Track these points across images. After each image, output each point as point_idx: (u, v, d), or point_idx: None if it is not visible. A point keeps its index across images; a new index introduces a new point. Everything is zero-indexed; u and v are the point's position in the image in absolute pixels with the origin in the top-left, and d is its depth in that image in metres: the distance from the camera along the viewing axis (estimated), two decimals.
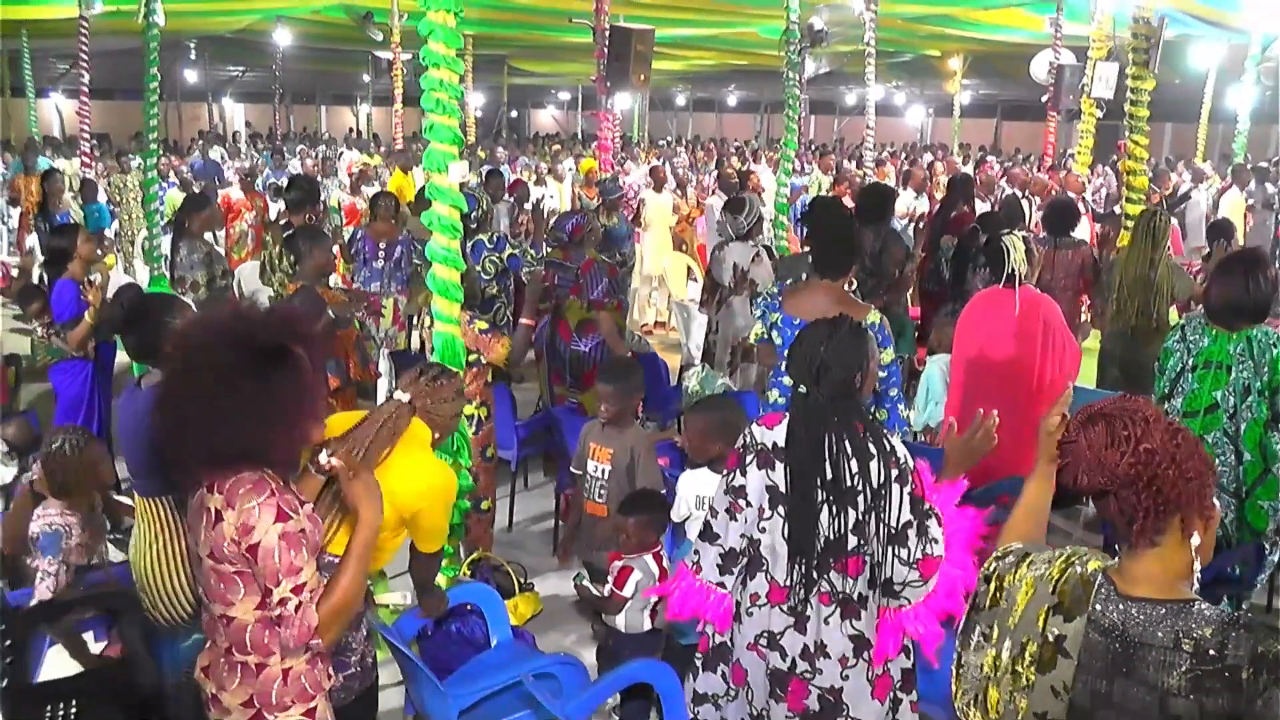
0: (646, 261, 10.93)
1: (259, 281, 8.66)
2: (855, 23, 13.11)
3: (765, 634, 2.85)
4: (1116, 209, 10.71)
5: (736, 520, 2.85)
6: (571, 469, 4.49)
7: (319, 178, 13.21)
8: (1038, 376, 5.12)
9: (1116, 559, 1.97)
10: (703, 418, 3.81)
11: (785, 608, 2.81)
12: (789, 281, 4.96)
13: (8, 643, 3.57)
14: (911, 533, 2.66)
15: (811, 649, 2.79)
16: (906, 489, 2.67)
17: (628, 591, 3.66)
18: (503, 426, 5.53)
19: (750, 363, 6.60)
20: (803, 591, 2.76)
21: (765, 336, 4.53)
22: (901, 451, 2.71)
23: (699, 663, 3.03)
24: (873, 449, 2.68)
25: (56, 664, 3.94)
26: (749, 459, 2.82)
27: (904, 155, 22.56)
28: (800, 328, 4.39)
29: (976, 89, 27.10)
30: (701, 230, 12.14)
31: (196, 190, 12.12)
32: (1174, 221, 9.94)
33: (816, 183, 12.75)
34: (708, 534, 2.89)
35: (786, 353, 2.89)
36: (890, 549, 2.66)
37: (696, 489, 3.77)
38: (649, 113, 30.51)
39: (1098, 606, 1.90)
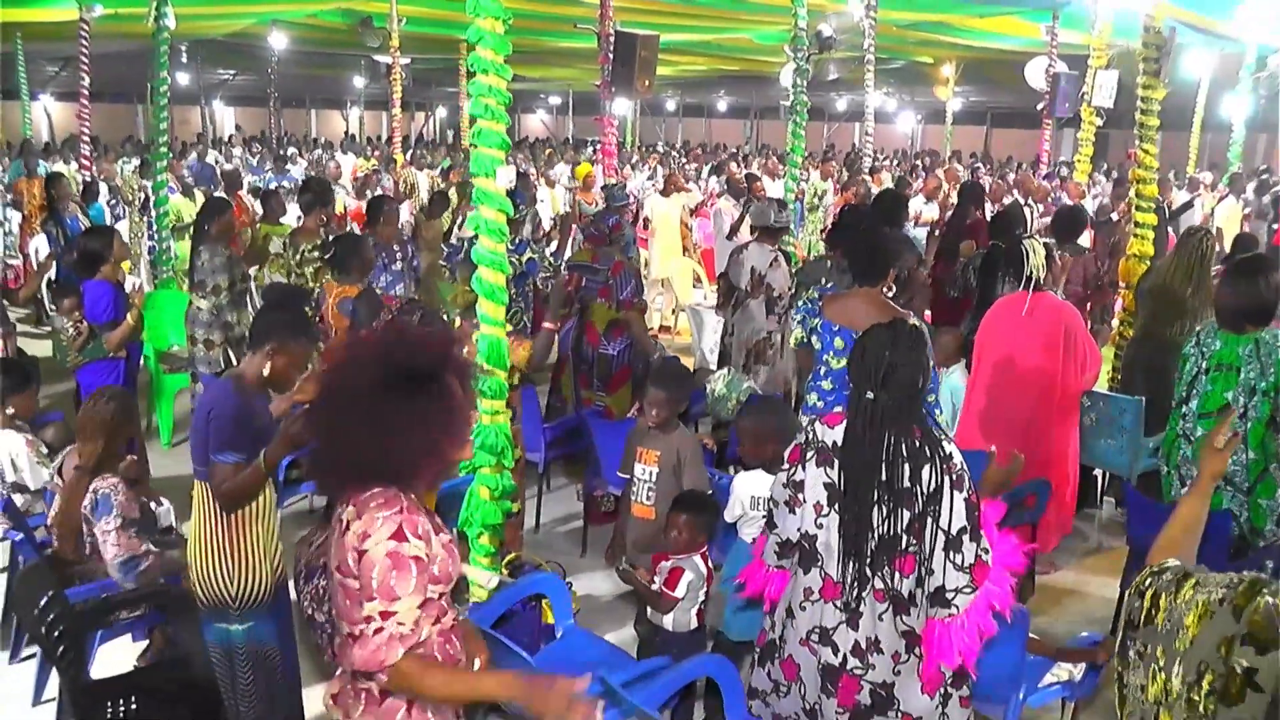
0: (653, 266, 11.01)
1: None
2: (855, 29, 13.22)
3: (817, 630, 2.92)
4: (1114, 216, 10.86)
5: (794, 514, 2.93)
6: (619, 473, 4.54)
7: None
8: (1060, 383, 5.21)
9: None
10: (757, 420, 3.88)
11: (838, 604, 2.87)
12: (830, 286, 5.04)
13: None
14: (966, 538, 2.71)
15: (863, 645, 2.85)
16: (962, 495, 2.71)
17: (679, 592, 3.72)
18: (530, 429, 5.59)
19: (763, 364, 6.69)
20: (856, 589, 2.83)
21: (805, 341, 4.64)
22: (958, 458, 2.76)
23: (756, 657, 3.11)
24: (928, 453, 2.73)
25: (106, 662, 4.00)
26: (809, 455, 2.90)
27: (895, 162, 22.76)
28: (839, 334, 4.55)
29: (967, 96, 27.28)
30: (707, 234, 12.22)
31: (198, 194, 12.16)
32: (1169, 230, 10.15)
33: (814, 189, 12.82)
34: (770, 522, 3.01)
35: (849, 357, 2.94)
36: (946, 554, 2.71)
37: (751, 490, 3.83)
38: (639, 118, 30.59)
39: None
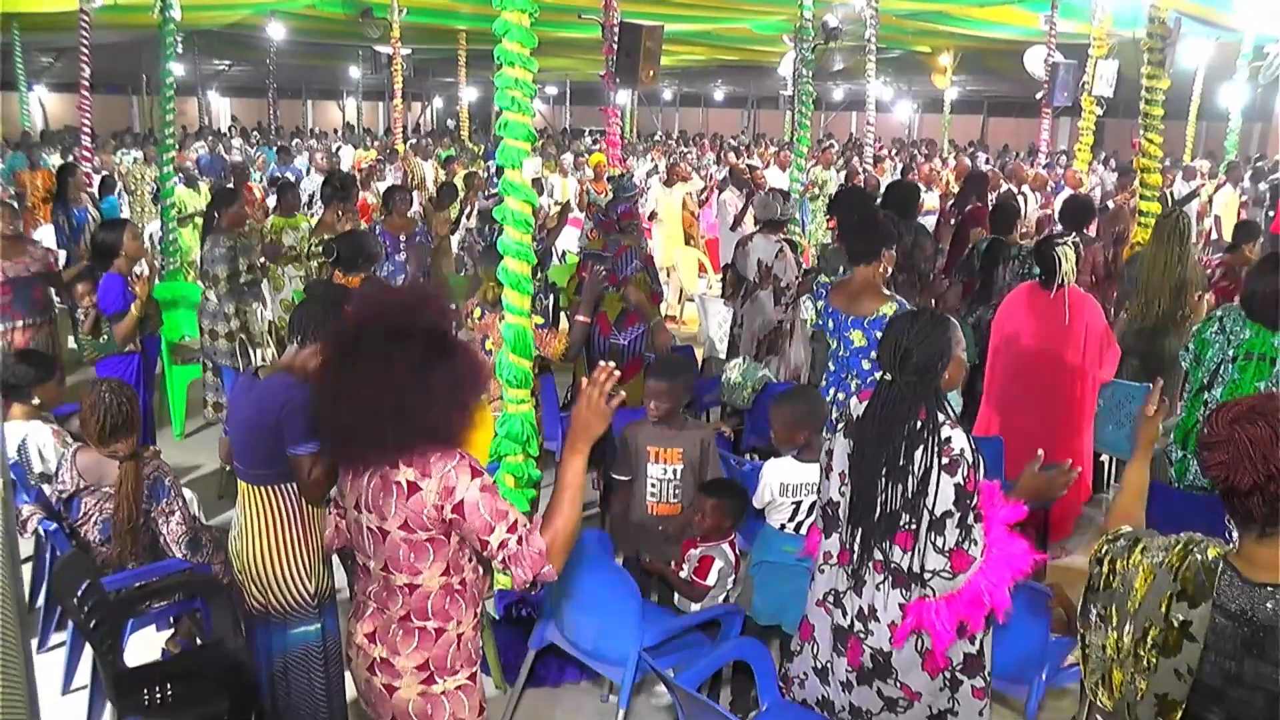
0: (657, 255, 11.03)
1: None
2: (856, 19, 13.26)
3: (832, 592, 3.03)
4: (1109, 204, 10.93)
5: (828, 480, 3.05)
6: (613, 474, 4.42)
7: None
8: (1079, 373, 5.28)
9: (1234, 546, 2.07)
10: (789, 408, 3.93)
11: (848, 569, 2.97)
12: (843, 271, 5.15)
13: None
14: (950, 523, 2.77)
15: (865, 611, 2.94)
16: (955, 480, 2.76)
17: (711, 580, 3.78)
18: (548, 418, 5.63)
19: (775, 354, 6.74)
20: (859, 559, 2.92)
21: (819, 323, 4.80)
22: (959, 444, 2.79)
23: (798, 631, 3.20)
24: (925, 435, 2.80)
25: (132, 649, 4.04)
26: (840, 426, 3.02)
27: (894, 151, 22.77)
28: (832, 316, 4.73)
29: (963, 85, 27.29)
30: (710, 224, 12.26)
31: (202, 185, 12.17)
32: None
33: (817, 179, 12.87)
34: (820, 487, 3.13)
35: (878, 343, 3.04)
36: (928, 534, 2.78)
37: (781, 476, 3.88)
38: (636, 107, 30.58)
39: (1223, 592, 2.00)
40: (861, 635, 2.96)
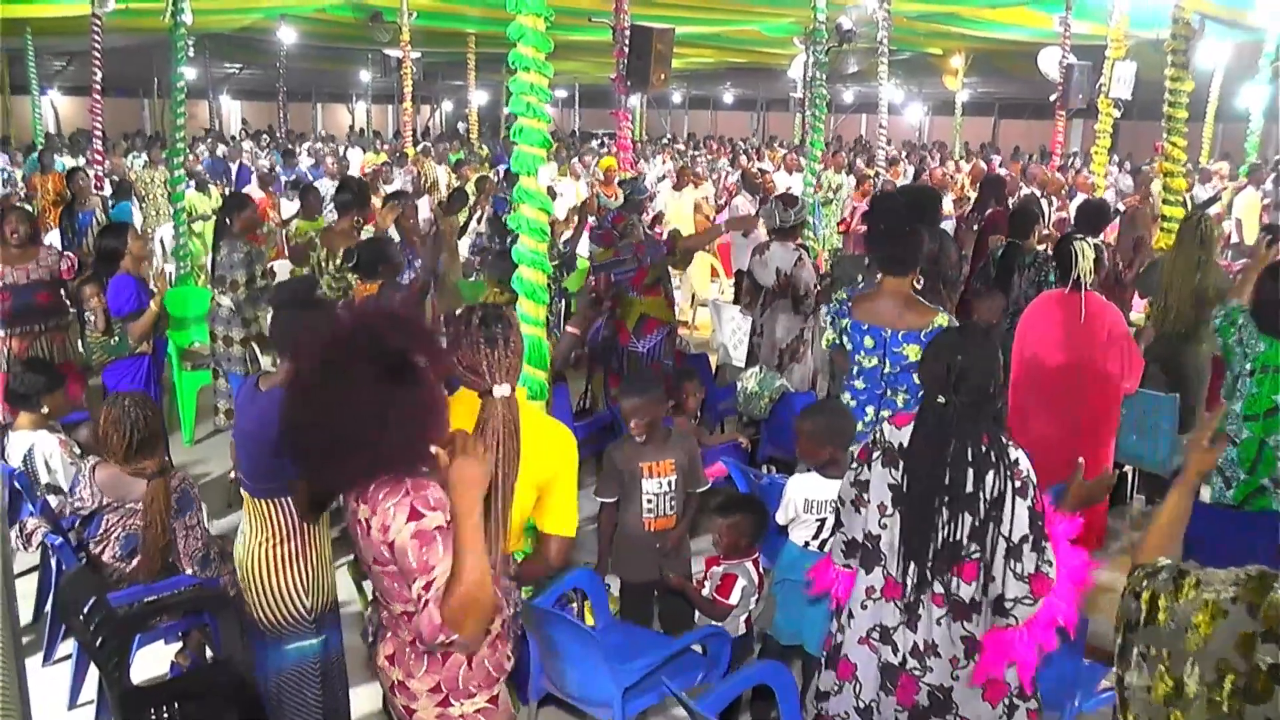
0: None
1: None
2: (869, 21, 13.16)
3: (878, 628, 2.90)
4: (1120, 207, 10.80)
5: (859, 514, 2.91)
6: (602, 498, 4.24)
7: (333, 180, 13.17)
8: (1102, 384, 5.17)
9: None
10: (814, 422, 3.82)
11: (899, 604, 2.85)
12: (860, 286, 4.97)
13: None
14: (1027, 547, 2.67)
15: (922, 647, 2.83)
16: (1026, 503, 2.68)
17: (734, 599, 3.69)
18: (562, 421, 5.55)
19: (795, 362, 6.64)
20: (915, 592, 2.80)
21: (836, 342, 4.59)
22: (1025, 465, 2.72)
23: (822, 661, 3.09)
24: (993, 459, 2.70)
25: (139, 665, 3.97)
26: (875, 455, 2.88)
27: (905, 153, 22.65)
28: (868, 333, 4.50)
29: (974, 87, 27.16)
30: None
31: (213, 189, 12.13)
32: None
33: (828, 182, 12.78)
34: (837, 522, 3.00)
35: (920, 362, 2.92)
36: (1007, 562, 2.68)
37: (805, 492, 3.78)
38: (645, 110, 30.53)
39: None
40: (917, 672, 2.84)
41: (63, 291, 6.53)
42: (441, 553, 2.25)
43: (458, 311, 2.98)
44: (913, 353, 4.34)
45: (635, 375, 4.66)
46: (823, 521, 3.74)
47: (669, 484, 4.14)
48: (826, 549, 3.11)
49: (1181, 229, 6.14)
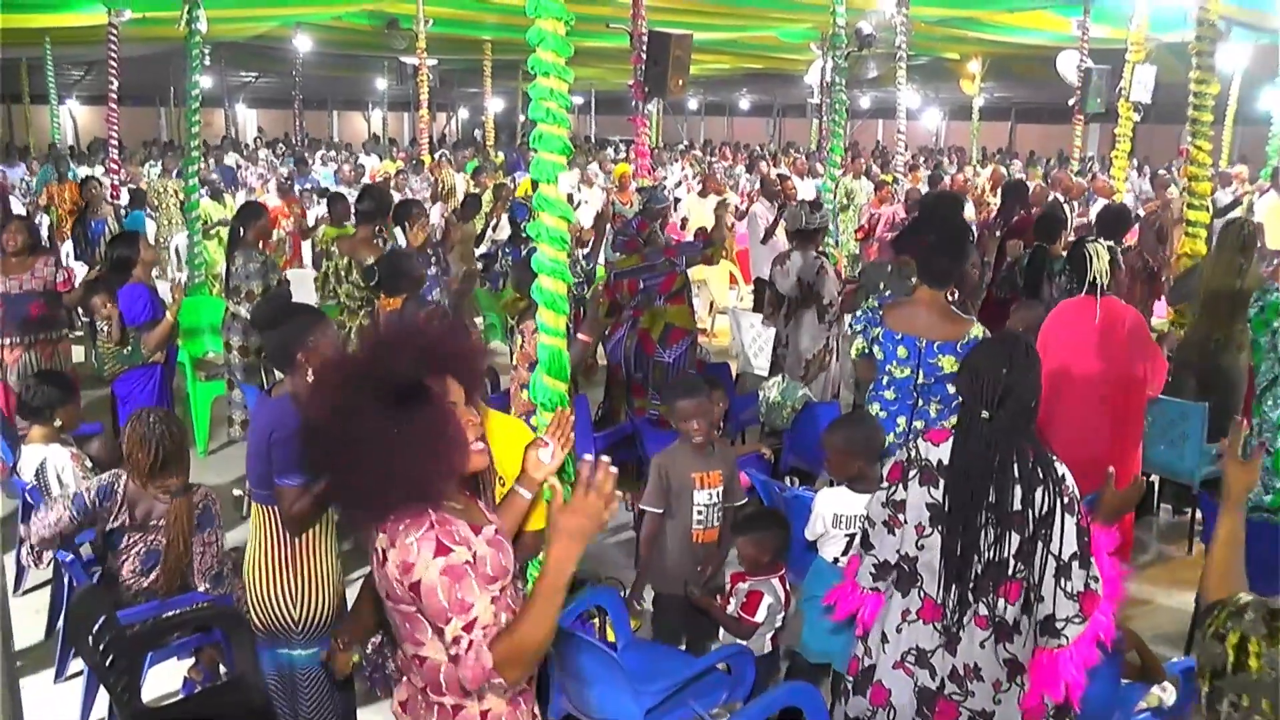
0: (691, 269, 10.86)
1: (303, 292, 8.62)
2: (888, 26, 13.08)
3: (914, 651, 2.81)
4: (1140, 212, 10.66)
5: (894, 535, 2.82)
6: (649, 508, 4.12)
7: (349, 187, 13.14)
8: (1125, 391, 5.06)
9: None
10: (843, 435, 3.73)
11: (938, 626, 2.76)
12: (888, 295, 4.88)
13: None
14: (1077, 565, 2.59)
15: (962, 671, 2.73)
16: (1074, 519, 2.59)
17: (760, 617, 3.60)
18: (580, 437, 5.46)
19: (823, 372, 6.54)
20: (957, 614, 2.71)
21: (866, 351, 4.49)
22: (1071, 480, 2.63)
23: (849, 686, 2.98)
24: (1040, 474, 2.61)
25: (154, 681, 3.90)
26: (912, 474, 2.78)
27: (922, 159, 22.51)
28: (902, 342, 4.41)
29: (991, 92, 27.00)
30: (740, 235, 12.08)
31: (227, 197, 12.11)
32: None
33: (844, 188, 12.68)
34: (865, 543, 2.89)
35: (959, 375, 2.82)
36: (1057, 580, 2.59)
37: (835, 507, 3.69)
38: (661, 117, 30.46)
39: None
40: (958, 697, 2.74)
41: (58, 304, 6.52)
42: (477, 590, 2.11)
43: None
44: (948, 364, 4.26)
45: (680, 379, 4.58)
46: (852, 536, 3.64)
47: (718, 495, 4.07)
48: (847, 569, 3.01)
49: (1222, 233, 6.02)
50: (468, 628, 2.08)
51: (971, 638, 2.71)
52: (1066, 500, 2.60)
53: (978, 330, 4.27)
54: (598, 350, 5.76)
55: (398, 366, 2.18)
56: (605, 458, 2.13)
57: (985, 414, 2.66)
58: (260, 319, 3.30)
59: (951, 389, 4.29)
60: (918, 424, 4.37)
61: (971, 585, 2.67)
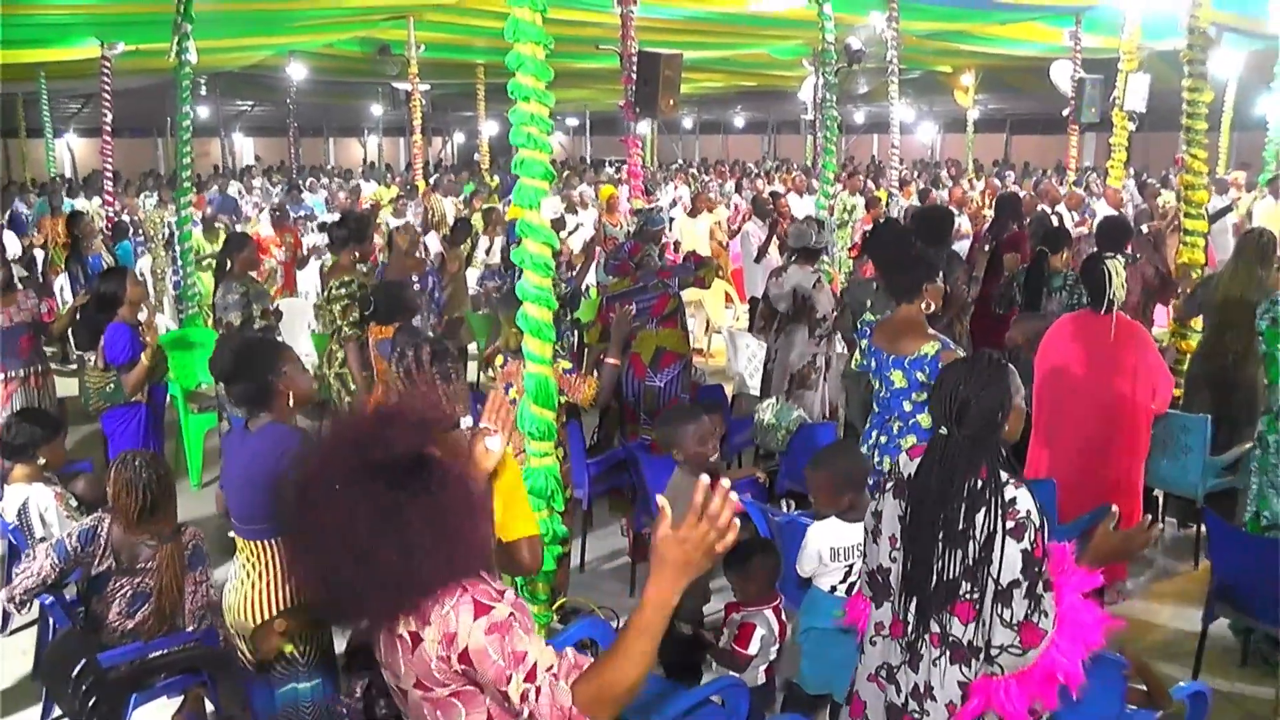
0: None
1: (297, 320, 8.59)
2: (878, 41, 13.05)
3: (885, 666, 2.78)
4: (1144, 229, 10.58)
5: (875, 545, 2.81)
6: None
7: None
8: (1130, 406, 4.98)
9: None
10: (828, 473, 3.65)
11: (901, 642, 2.72)
12: (869, 306, 4.92)
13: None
14: (1018, 594, 2.51)
15: (921, 689, 2.68)
16: (1021, 545, 2.51)
17: (753, 649, 3.52)
18: (575, 466, 5.40)
19: (807, 389, 6.47)
20: (915, 630, 2.67)
21: (864, 364, 4.56)
22: (1025, 505, 2.54)
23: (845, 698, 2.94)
24: (986, 496, 2.55)
25: None
26: (889, 486, 2.78)
27: (916, 172, 22.49)
28: (873, 355, 4.49)
29: (985, 104, 27.02)
30: (734, 254, 12.04)
31: (219, 226, 12.07)
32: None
33: (842, 204, 12.64)
34: (865, 554, 2.90)
35: (929, 392, 2.79)
36: (994, 606, 2.52)
37: (829, 541, 3.61)
38: (656, 136, 30.49)
39: None
40: (916, 715, 2.69)
41: (45, 335, 6.52)
42: (527, 638, 1.95)
43: (402, 352, 2.92)
44: (897, 378, 4.44)
45: (675, 409, 4.56)
46: (851, 566, 3.57)
47: None
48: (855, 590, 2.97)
49: (1241, 242, 5.97)
50: (530, 676, 1.91)
51: (928, 655, 2.66)
52: (1012, 525, 2.52)
53: (930, 347, 4.37)
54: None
55: (389, 442, 1.99)
56: (725, 481, 1.90)
57: (944, 430, 2.63)
58: (219, 372, 3.23)
59: (908, 406, 4.39)
60: (882, 438, 4.52)
61: (927, 602, 2.62)
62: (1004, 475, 2.58)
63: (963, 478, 2.58)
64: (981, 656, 2.58)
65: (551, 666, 1.93)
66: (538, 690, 1.90)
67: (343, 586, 1.95)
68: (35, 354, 6.43)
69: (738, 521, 1.89)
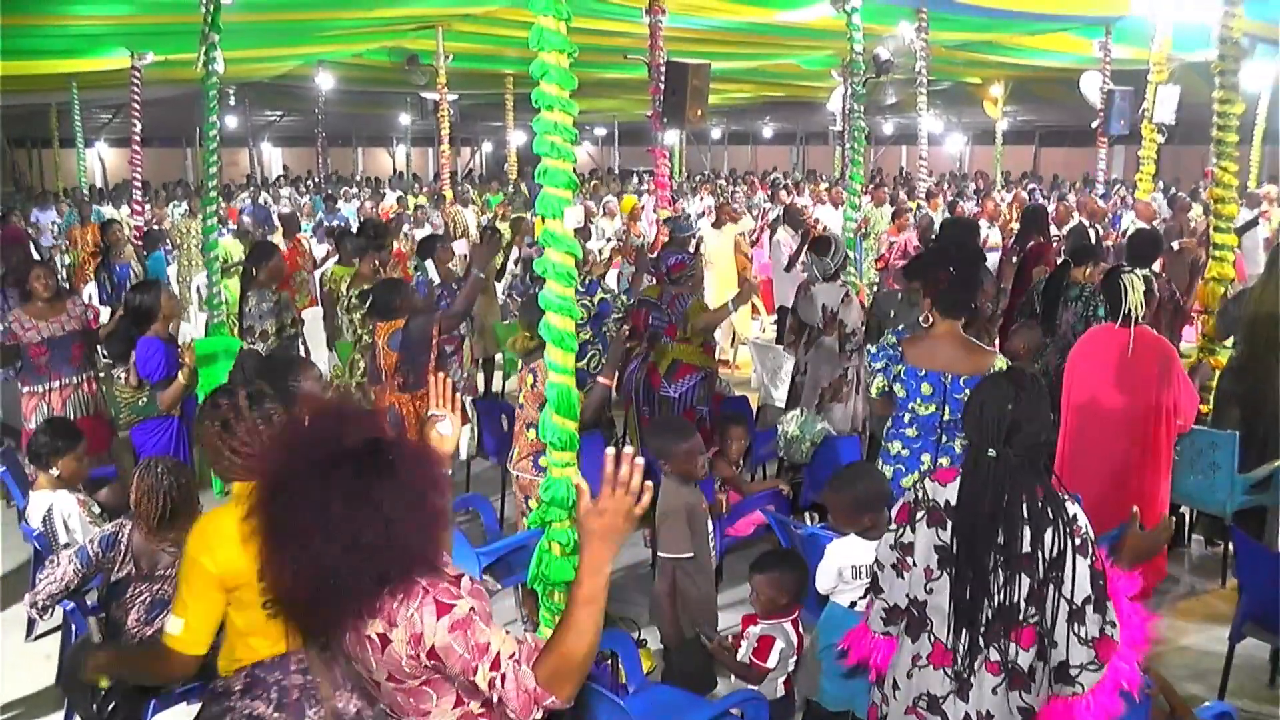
0: (709, 298, 10.79)
1: (322, 329, 8.63)
2: (907, 52, 13.02)
3: (925, 696, 2.69)
4: (1175, 245, 10.46)
5: (902, 578, 2.72)
6: (679, 554, 4.00)
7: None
8: (1155, 422, 4.92)
9: None
10: (849, 494, 3.60)
11: (949, 671, 2.64)
12: (901, 330, 4.77)
13: None
14: (1091, 609, 2.48)
15: (974, 718, 2.62)
16: (1087, 561, 2.48)
17: (771, 662, 3.49)
18: (593, 474, 5.37)
19: (838, 402, 6.42)
20: (967, 659, 2.60)
21: (886, 390, 4.41)
22: (1084, 521, 2.52)
23: None
24: (1050, 515, 2.51)
25: None
26: (919, 515, 2.68)
27: (945, 184, 22.38)
28: (926, 379, 4.32)
29: (1014, 115, 26.89)
30: (762, 264, 12.00)
31: (253, 235, 12.17)
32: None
33: (867, 215, 12.60)
34: (875, 586, 2.80)
35: (965, 412, 2.71)
36: (1070, 626, 2.48)
37: (849, 559, 3.57)
38: (684, 147, 30.52)
39: None
40: None
41: (96, 340, 6.55)
42: (487, 629, 2.04)
43: (219, 402, 2.99)
44: None
45: (659, 420, 4.53)
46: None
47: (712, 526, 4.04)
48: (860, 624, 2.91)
49: (1272, 257, 5.88)
50: (494, 665, 2.02)
51: (983, 684, 2.60)
52: (1078, 542, 2.49)
53: (1001, 362, 4.21)
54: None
55: (362, 429, 2.06)
56: (629, 448, 2.07)
57: (992, 451, 2.56)
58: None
59: None
60: (943, 461, 4.28)
61: (982, 630, 2.57)
62: (1061, 493, 2.55)
63: (1017, 500, 2.53)
64: (1043, 681, 2.55)
65: (514, 654, 2.04)
66: (503, 677, 2.02)
67: (325, 575, 1.98)
68: (86, 361, 6.46)
69: (650, 483, 2.05)
